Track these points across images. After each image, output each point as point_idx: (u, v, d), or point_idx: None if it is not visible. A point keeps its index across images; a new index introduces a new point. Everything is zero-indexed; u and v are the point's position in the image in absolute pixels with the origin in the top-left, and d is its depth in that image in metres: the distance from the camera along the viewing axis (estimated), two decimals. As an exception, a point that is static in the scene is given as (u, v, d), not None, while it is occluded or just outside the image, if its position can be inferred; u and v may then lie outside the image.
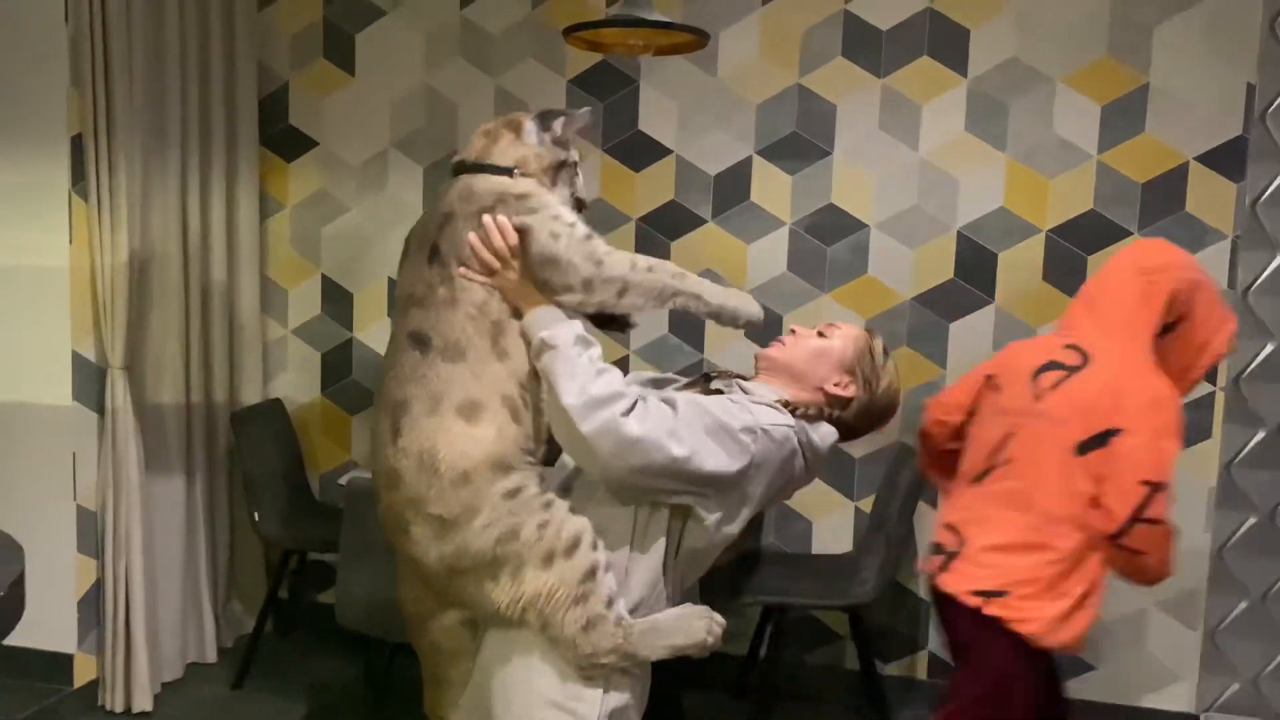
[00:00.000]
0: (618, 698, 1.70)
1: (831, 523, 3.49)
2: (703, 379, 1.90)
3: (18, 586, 0.97)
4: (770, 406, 1.74)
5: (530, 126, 1.77)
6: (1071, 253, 3.25)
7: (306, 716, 3.27)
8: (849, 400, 1.84)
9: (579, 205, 1.82)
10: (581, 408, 1.56)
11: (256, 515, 3.44)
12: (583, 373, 1.59)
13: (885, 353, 1.90)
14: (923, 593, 3.43)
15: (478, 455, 1.62)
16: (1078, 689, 3.34)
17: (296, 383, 3.91)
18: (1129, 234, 3.20)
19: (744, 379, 1.86)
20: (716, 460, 1.63)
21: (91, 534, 3.21)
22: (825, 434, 1.82)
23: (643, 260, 1.75)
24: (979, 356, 3.30)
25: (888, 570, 3.04)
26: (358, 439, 3.87)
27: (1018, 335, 3.28)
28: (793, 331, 1.89)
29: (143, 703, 3.22)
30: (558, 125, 1.78)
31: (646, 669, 1.78)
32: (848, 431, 1.88)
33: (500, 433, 1.64)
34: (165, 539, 3.42)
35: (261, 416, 3.64)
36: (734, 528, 1.74)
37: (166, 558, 3.43)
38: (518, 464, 1.67)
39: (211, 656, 3.64)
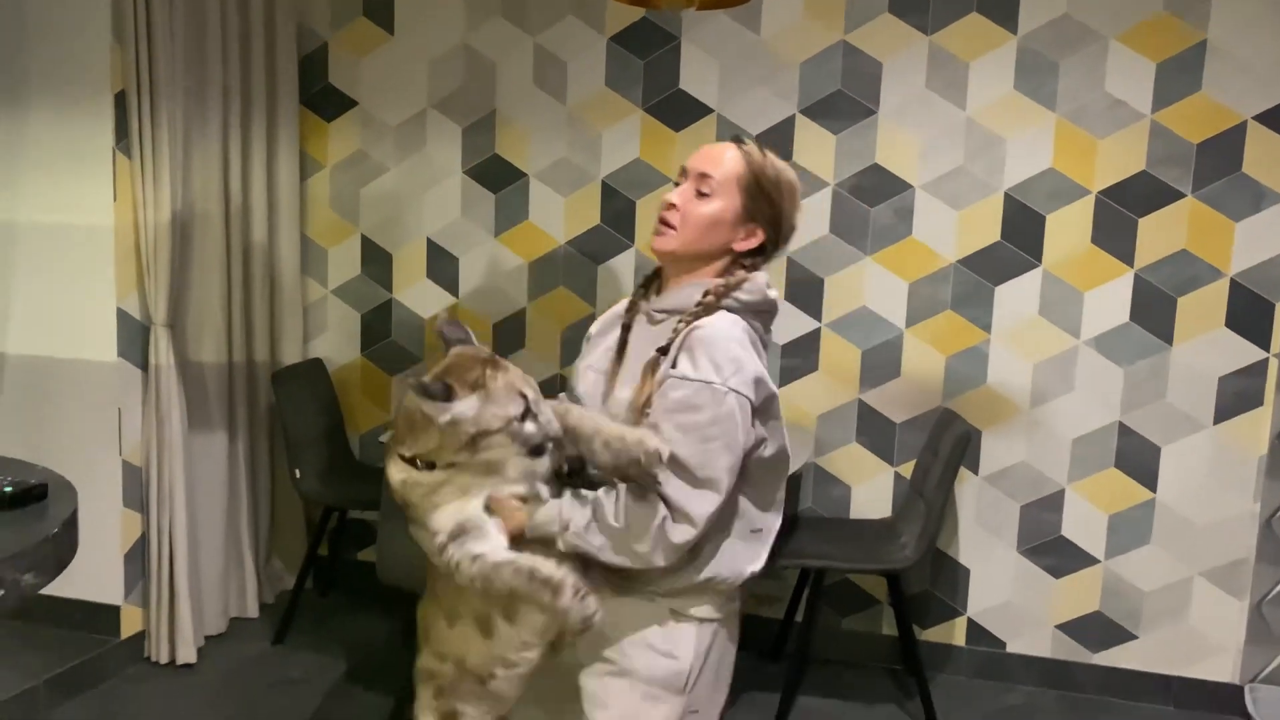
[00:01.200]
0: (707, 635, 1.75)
1: (870, 488, 3.46)
2: (650, 369, 1.74)
3: (71, 525, 0.98)
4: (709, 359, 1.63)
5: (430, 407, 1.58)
6: (1121, 215, 3.18)
7: (347, 672, 3.31)
8: (761, 244, 1.74)
9: (537, 450, 1.63)
10: (639, 559, 1.63)
11: (298, 473, 3.47)
12: (608, 534, 1.63)
13: (761, 149, 1.74)
14: (962, 558, 3.41)
15: None
16: (1119, 657, 3.31)
17: (336, 343, 3.93)
18: (1181, 195, 3.13)
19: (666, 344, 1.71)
20: (729, 453, 1.62)
21: (136, 489, 3.25)
22: (754, 290, 1.71)
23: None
24: (1025, 321, 3.26)
25: (928, 535, 3.01)
26: (398, 399, 3.89)
27: (1065, 300, 3.23)
28: (671, 206, 1.73)
29: (187, 655, 3.28)
30: (437, 389, 1.56)
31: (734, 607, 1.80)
32: (772, 246, 1.76)
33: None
34: (208, 495, 3.47)
35: (302, 376, 3.66)
36: (778, 438, 1.73)
37: (209, 514, 3.48)
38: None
39: (253, 612, 3.70)
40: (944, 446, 3.05)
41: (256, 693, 3.15)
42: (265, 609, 3.76)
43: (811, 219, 3.40)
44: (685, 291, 1.74)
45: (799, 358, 3.48)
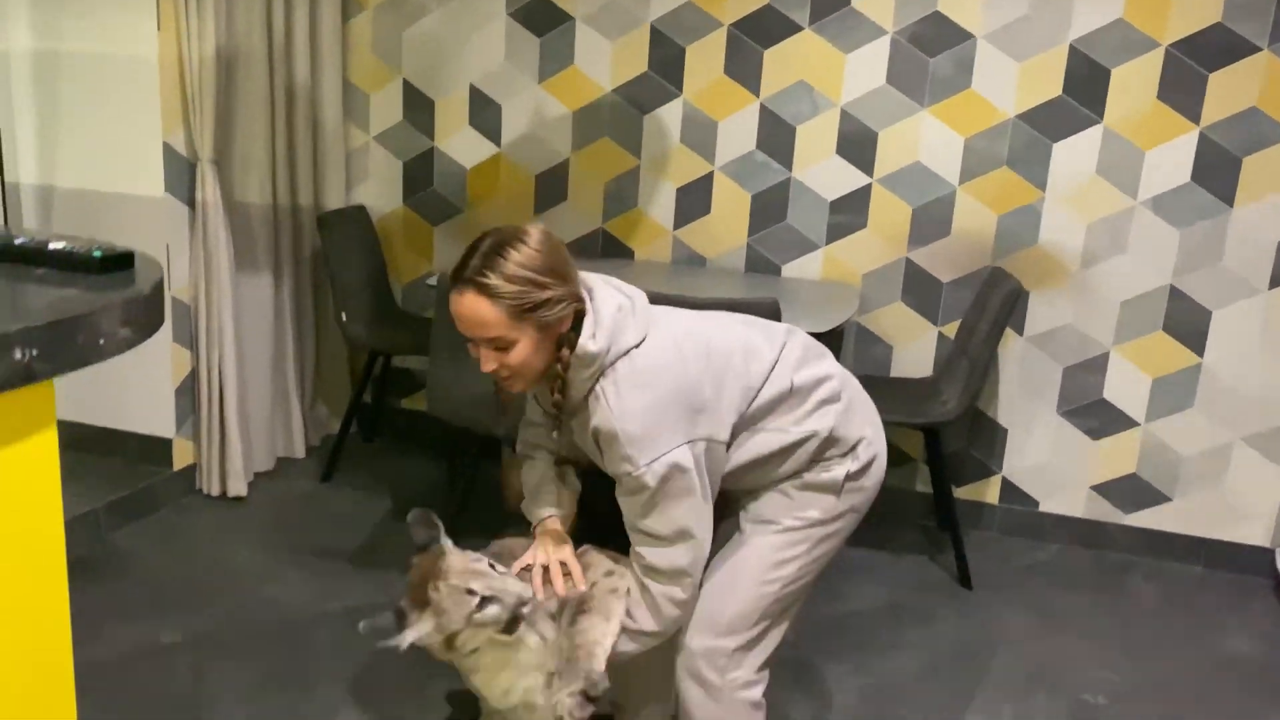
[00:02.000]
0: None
1: (913, 348, 3.46)
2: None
3: (159, 291, 0.99)
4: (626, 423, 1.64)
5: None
6: (1191, 70, 3.06)
7: (393, 509, 3.41)
8: (576, 312, 1.67)
9: (511, 625, 1.66)
10: (671, 625, 1.77)
11: (344, 316, 3.50)
12: (638, 638, 1.76)
13: (485, 272, 1.62)
14: (1001, 418, 3.42)
15: None
16: (1151, 519, 3.35)
17: (378, 191, 3.91)
18: (1257, 49, 3.00)
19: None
20: (685, 502, 1.68)
21: (186, 325, 3.30)
22: (602, 337, 1.65)
23: None
24: (1081, 180, 3.19)
25: (971, 390, 3.01)
26: (439, 250, 3.89)
27: (1125, 158, 3.15)
28: (493, 371, 1.68)
29: (237, 488, 3.38)
30: (387, 624, 1.65)
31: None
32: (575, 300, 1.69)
33: None
34: (254, 335, 3.51)
35: (347, 221, 3.65)
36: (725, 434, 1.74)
37: (256, 353, 3.53)
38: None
39: (300, 453, 3.79)
40: (992, 303, 3.03)
41: (306, 525, 3.26)
42: (311, 451, 3.85)
43: (867, 69, 3.31)
44: (574, 391, 1.71)
45: (848, 214, 3.43)
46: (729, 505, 1.87)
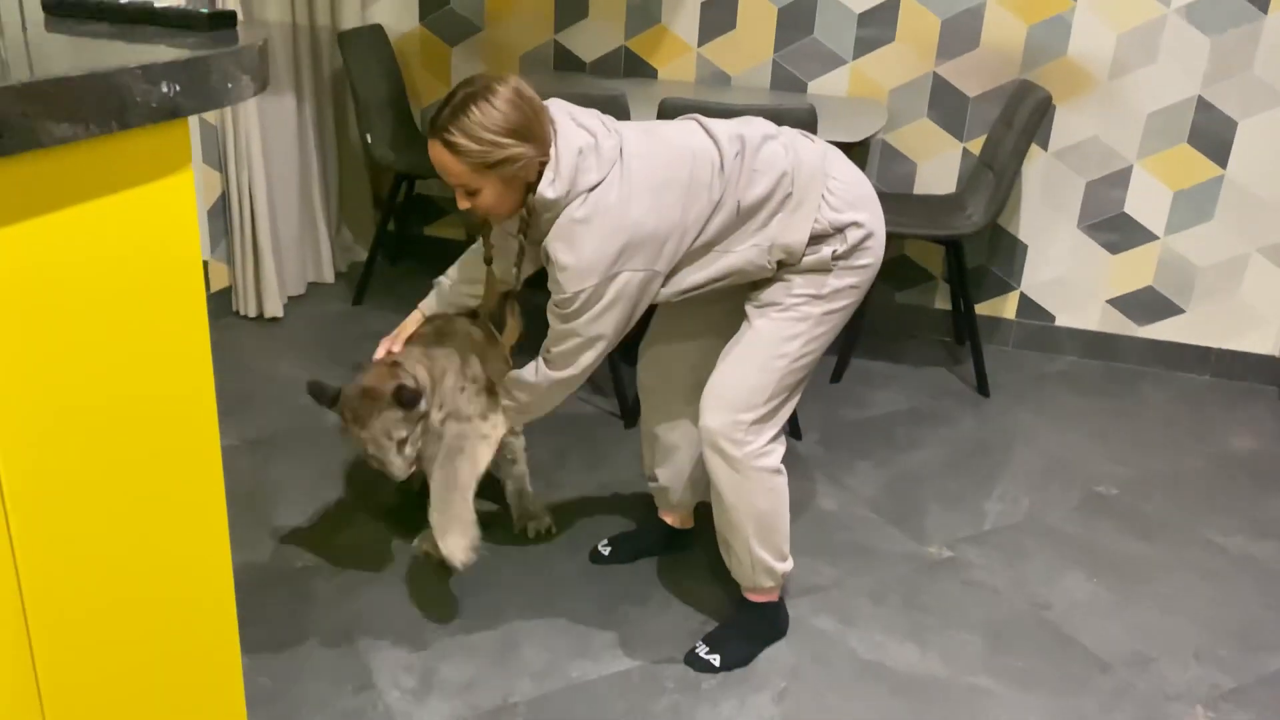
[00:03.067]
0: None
1: (938, 164, 3.48)
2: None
3: (266, 49, 1.03)
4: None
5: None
6: None
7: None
8: (542, 159, 1.75)
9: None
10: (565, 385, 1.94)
11: (369, 138, 3.50)
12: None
13: (459, 113, 1.72)
14: (1021, 234, 3.48)
15: None
16: (1164, 331, 3.45)
17: (394, 9, 3.83)
18: None
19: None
20: (614, 314, 1.81)
21: (214, 147, 3.30)
22: (561, 176, 1.75)
23: None
24: (1116, -15, 3.11)
25: (996, 202, 3.05)
26: (457, 71, 3.84)
27: (1161, -38, 3.08)
28: (470, 209, 1.81)
29: (274, 309, 3.46)
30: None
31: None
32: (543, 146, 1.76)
33: None
34: (281, 157, 3.52)
35: (365, 41, 3.60)
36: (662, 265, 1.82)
37: (283, 176, 3.55)
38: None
39: (329, 278, 3.85)
40: (1020, 115, 3.03)
41: (345, 341, 3.35)
42: (339, 276, 3.91)
43: None
44: (537, 230, 1.82)
45: (875, 27, 3.39)
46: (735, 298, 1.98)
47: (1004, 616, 2.18)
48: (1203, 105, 3.20)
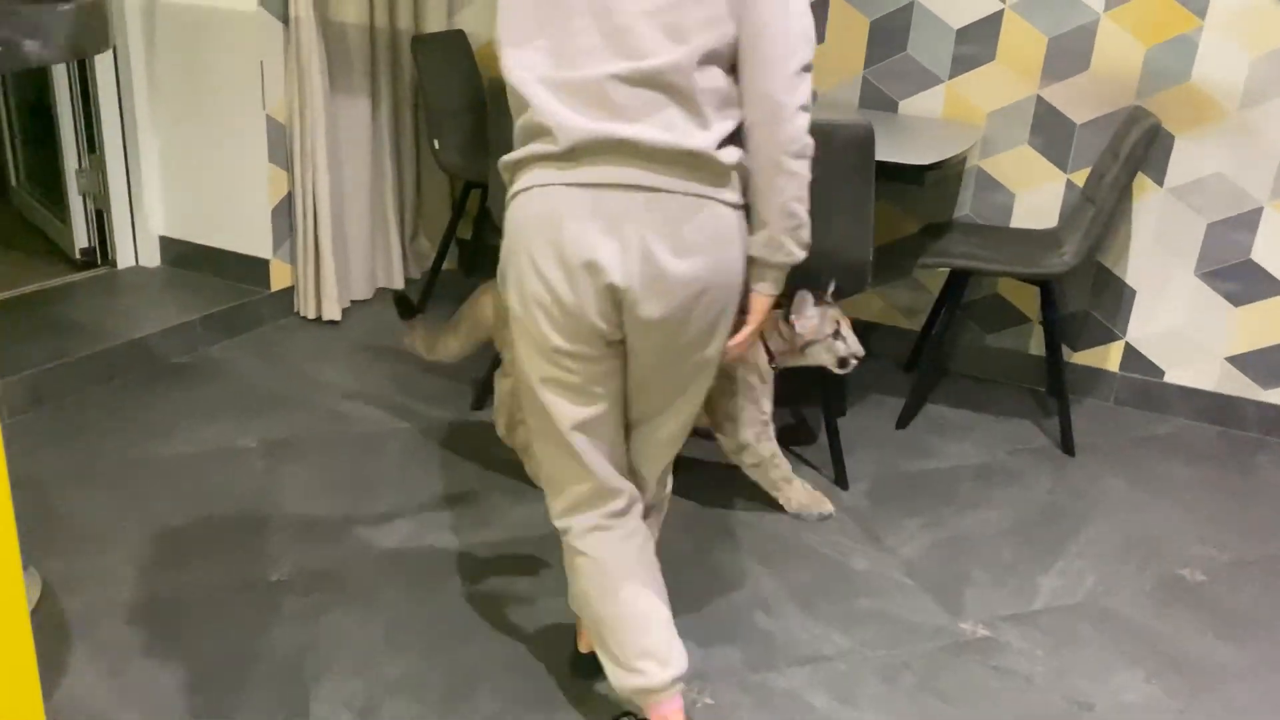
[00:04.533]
0: None
1: (1038, 196, 3.16)
2: None
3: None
4: None
5: None
6: None
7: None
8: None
9: None
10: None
11: (436, 144, 3.44)
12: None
13: None
14: (1129, 278, 3.11)
15: None
16: None
17: (483, 15, 3.78)
18: None
19: None
20: None
21: (281, 146, 3.30)
22: None
23: None
24: (1249, 3, 2.77)
25: (1090, 243, 2.72)
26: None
27: (1306, -24, 2.70)
28: None
29: (331, 312, 3.43)
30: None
31: None
32: None
33: None
34: (352, 160, 3.50)
35: (444, 45, 3.55)
36: None
37: (353, 179, 3.52)
38: None
39: (399, 283, 3.81)
40: (1126, 144, 2.70)
41: (395, 351, 3.28)
42: (411, 284, 3.87)
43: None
44: None
45: (974, 44, 3.11)
46: None
47: (1034, 713, 1.88)
48: (1351, 141, 2.79)
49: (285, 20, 3.18)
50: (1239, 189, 2.93)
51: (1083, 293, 3.19)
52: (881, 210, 3.36)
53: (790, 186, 1.48)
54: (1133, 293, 3.13)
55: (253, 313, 3.34)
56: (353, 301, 3.62)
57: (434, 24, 3.69)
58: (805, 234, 1.53)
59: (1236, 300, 3.01)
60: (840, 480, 2.65)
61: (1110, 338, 3.20)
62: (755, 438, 2.41)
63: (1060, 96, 3.05)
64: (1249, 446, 3.01)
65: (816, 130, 2.37)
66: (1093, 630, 2.13)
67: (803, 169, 1.48)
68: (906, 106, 3.24)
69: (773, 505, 2.49)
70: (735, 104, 1.47)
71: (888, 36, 3.20)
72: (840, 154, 2.35)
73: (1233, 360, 3.07)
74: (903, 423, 3.01)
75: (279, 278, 3.43)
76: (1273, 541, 2.52)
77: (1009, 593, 2.23)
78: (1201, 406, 3.12)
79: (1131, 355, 3.18)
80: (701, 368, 1.56)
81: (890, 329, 3.46)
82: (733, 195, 1.48)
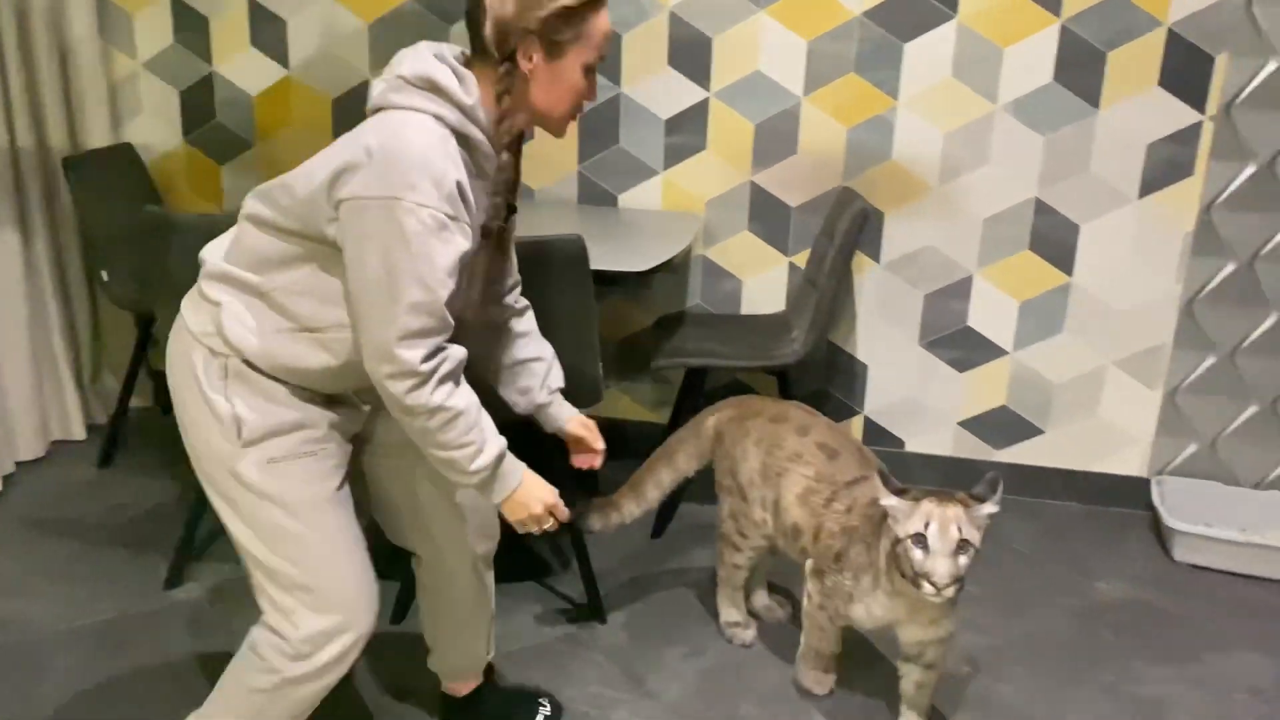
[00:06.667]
0: None
1: (763, 280, 3.11)
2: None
3: None
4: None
5: None
6: (1051, -45, 2.73)
7: (183, 492, 2.95)
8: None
9: None
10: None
11: (105, 275, 2.99)
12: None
13: None
14: (860, 354, 3.12)
15: None
16: (1024, 454, 3.10)
17: (154, 126, 3.37)
18: (1120, -71, 2.68)
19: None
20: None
21: (-97, 296, 2.76)
22: None
23: None
24: (936, 84, 2.85)
25: (818, 326, 2.68)
26: (230, 192, 3.38)
27: (982, 57, 2.81)
28: None
29: (-10, 482, 2.89)
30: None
31: None
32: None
33: None
34: (3, 298, 2.99)
35: (105, 162, 3.12)
36: None
37: (9, 320, 3.01)
38: None
39: (79, 434, 3.30)
40: (840, 227, 2.69)
41: (71, 521, 2.79)
42: (96, 430, 3.36)
43: (696, -37, 2.90)
44: None
45: (684, 134, 3.04)
46: None
47: None
48: (1042, 208, 2.91)
49: (-108, 149, 2.67)
50: (950, 260, 2.99)
51: (819, 372, 3.16)
52: (615, 306, 3.22)
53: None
54: (865, 367, 3.13)
55: (-118, 498, 2.76)
56: (18, 464, 3.08)
57: (97, 137, 3.24)
58: (463, 464, 1.51)
59: (960, 366, 3.07)
60: (596, 612, 2.43)
61: (851, 413, 3.19)
62: None
63: (773, 181, 3.03)
64: (990, 509, 3.06)
65: (528, 246, 2.17)
66: (870, 754, 2.00)
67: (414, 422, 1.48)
68: (627, 199, 3.13)
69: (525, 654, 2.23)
70: None
71: (598, 130, 3.09)
72: (555, 270, 2.17)
73: (965, 424, 3.12)
74: (657, 531, 2.85)
75: (-84, 451, 2.86)
76: (1029, 615, 2.52)
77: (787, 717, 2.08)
78: (943, 471, 3.15)
79: (872, 428, 3.18)
80: None
81: (638, 424, 3.32)
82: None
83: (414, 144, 1.38)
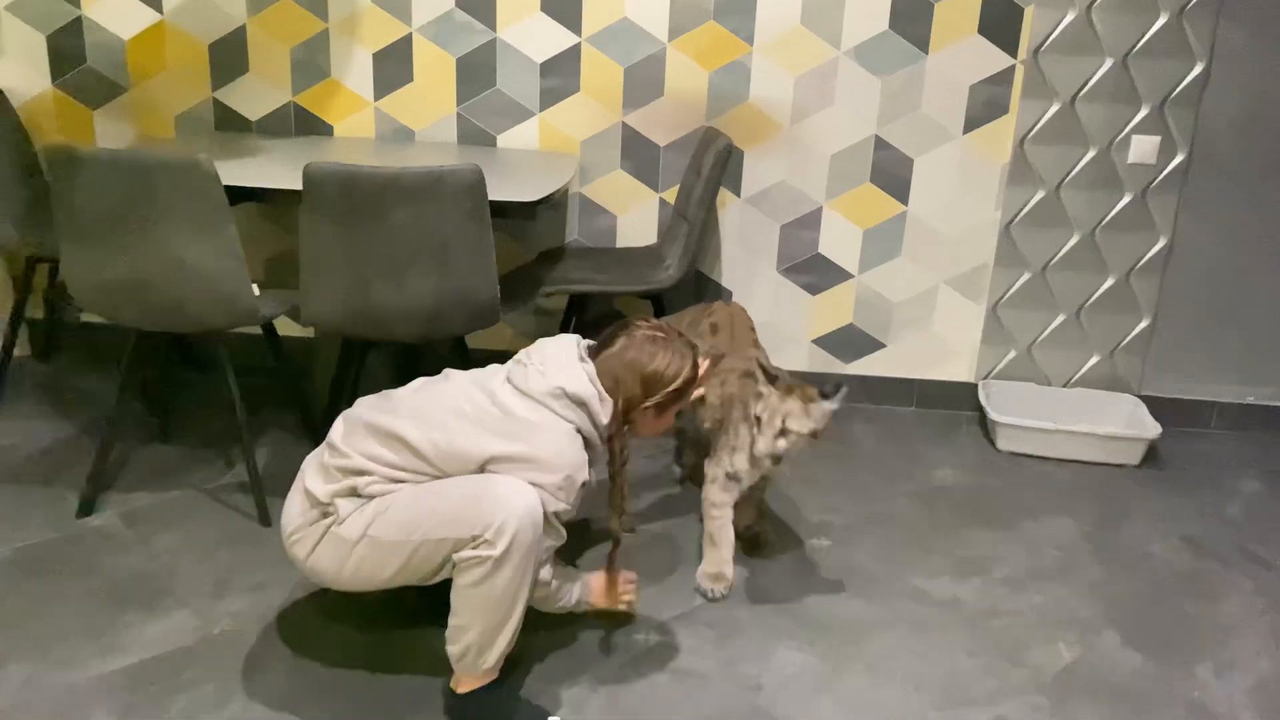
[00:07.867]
0: None
1: (636, 216, 3.36)
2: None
3: None
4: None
5: None
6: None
7: (73, 434, 3.01)
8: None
9: None
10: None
11: (-17, 220, 2.99)
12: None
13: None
14: (725, 280, 3.42)
15: None
16: (868, 366, 3.47)
17: (20, 71, 3.34)
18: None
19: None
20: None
21: None
22: None
23: None
24: (787, 31, 3.13)
25: (689, 254, 2.96)
26: (103, 136, 3.39)
27: (826, 6, 3.11)
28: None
29: (-126, 430, 2.88)
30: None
31: None
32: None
33: None
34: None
35: (-24, 106, 3.10)
36: None
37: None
38: None
39: (-42, 382, 3.28)
40: (705, 163, 2.96)
41: (-34, 463, 2.82)
42: (-27, 379, 3.34)
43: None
44: None
45: (559, 77, 3.24)
46: None
47: (713, 707, 2.02)
48: (880, 144, 3.26)
49: None
50: (801, 193, 3.32)
51: (688, 298, 3.45)
52: (499, 242, 3.40)
53: None
54: (729, 293, 3.44)
55: None
56: (-101, 413, 3.06)
57: (-41, 82, 3.20)
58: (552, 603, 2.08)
59: (813, 290, 3.41)
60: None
61: (717, 336, 3.49)
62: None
63: (642, 122, 3.28)
64: (844, 416, 3.42)
65: (427, 177, 2.36)
66: (749, 615, 2.32)
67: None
68: (505, 140, 3.32)
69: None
70: None
71: (475, 73, 3.26)
72: (453, 199, 2.36)
73: (818, 342, 3.47)
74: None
75: None
76: (875, 497, 2.89)
77: (668, 595, 2.37)
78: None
79: (737, 350, 3.50)
80: None
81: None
82: None
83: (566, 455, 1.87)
